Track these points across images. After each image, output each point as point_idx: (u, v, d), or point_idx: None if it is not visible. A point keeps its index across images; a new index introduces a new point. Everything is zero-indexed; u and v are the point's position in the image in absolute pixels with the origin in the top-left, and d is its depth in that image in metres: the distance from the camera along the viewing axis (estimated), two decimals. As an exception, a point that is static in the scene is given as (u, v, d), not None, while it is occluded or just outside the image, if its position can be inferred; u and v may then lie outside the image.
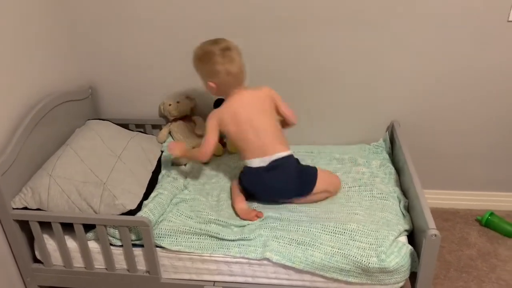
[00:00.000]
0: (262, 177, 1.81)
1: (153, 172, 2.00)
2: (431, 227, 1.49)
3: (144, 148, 2.08)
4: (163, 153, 2.18)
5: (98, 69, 2.29)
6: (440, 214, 2.35)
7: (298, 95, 2.21)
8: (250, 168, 1.83)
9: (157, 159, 2.10)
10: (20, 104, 1.85)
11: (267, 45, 2.12)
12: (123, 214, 1.72)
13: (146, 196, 1.84)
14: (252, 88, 1.86)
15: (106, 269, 1.79)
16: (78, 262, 1.81)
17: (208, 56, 1.76)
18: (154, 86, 2.29)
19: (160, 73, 2.26)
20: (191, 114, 2.33)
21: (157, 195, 1.84)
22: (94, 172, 1.80)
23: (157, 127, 2.38)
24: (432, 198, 2.33)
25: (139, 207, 1.76)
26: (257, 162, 1.81)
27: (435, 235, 1.47)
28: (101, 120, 2.18)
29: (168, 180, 1.99)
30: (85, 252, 1.76)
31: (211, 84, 1.79)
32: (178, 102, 2.24)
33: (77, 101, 2.17)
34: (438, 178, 2.35)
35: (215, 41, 1.78)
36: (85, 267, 1.81)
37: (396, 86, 2.14)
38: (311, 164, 1.96)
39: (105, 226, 1.68)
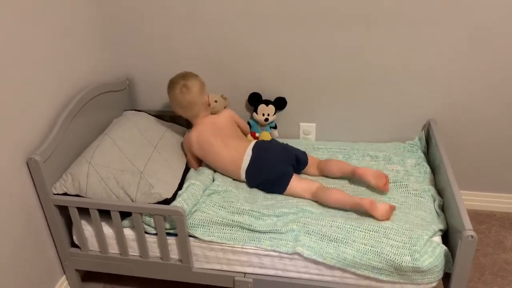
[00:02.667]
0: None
1: (186, 164, 2.03)
2: (468, 228, 1.46)
3: (178, 139, 2.12)
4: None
5: (135, 62, 2.34)
6: (474, 216, 2.29)
7: (334, 93, 2.20)
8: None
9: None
10: (62, 94, 1.91)
11: (303, 45, 2.11)
12: (158, 203, 1.76)
13: (179, 186, 1.88)
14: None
15: (140, 256, 1.84)
16: (113, 248, 1.86)
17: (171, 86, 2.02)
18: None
19: (196, 66, 2.28)
20: None
21: (189, 185, 1.86)
22: (131, 161, 1.85)
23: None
24: (466, 200, 2.28)
25: (174, 196, 1.79)
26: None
27: (472, 236, 1.44)
28: (137, 111, 2.23)
29: (196, 173, 2.01)
30: (121, 239, 1.81)
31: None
32: (216, 101, 2.19)
33: (115, 92, 2.22)
34: (474, 179, 2.30)
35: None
36: (120, 254, 1.86)
37: (433, 85, 2.10)
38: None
39: (141, 214, 1.73)
